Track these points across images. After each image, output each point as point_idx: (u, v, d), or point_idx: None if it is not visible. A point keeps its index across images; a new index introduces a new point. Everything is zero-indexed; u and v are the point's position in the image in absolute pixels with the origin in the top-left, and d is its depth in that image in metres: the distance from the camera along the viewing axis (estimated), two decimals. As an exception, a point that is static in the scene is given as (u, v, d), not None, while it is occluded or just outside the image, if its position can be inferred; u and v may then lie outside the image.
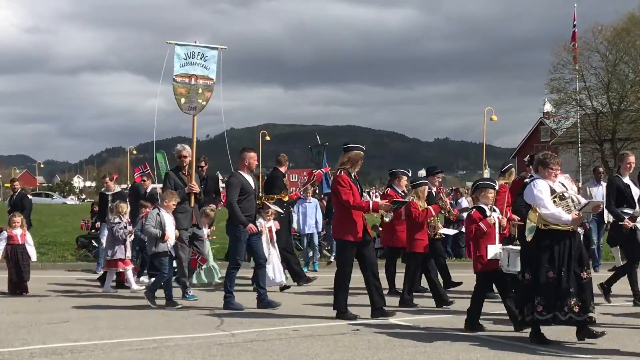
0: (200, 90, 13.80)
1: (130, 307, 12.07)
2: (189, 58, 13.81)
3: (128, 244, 14.74)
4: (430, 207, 12.59)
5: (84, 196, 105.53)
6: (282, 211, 14.60)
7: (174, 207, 12.54)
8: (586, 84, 57.42)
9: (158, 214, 12.34)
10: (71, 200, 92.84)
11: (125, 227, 14.65)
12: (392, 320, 10.73)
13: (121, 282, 14.79)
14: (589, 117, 58.22)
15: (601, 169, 19.32)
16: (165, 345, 8.77)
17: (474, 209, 10.23)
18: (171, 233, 12.34)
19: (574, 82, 57.43)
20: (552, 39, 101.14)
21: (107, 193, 17.94)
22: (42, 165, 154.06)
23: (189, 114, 13.92)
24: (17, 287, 13.76)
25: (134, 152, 77.77)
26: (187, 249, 13.10)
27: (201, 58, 13.86)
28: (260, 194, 14.14)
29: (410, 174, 14.51)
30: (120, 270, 14.57)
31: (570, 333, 9.18)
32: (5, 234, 14.04)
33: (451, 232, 15.84)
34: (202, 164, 15.45)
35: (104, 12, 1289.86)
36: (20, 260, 13.84)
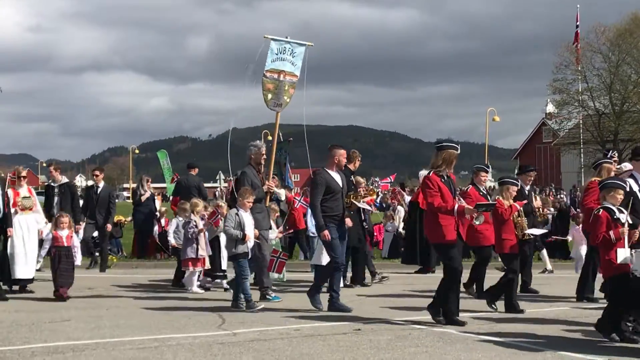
0: (286, 87, 13.81)
1: (132, 306, 12.07)
2: (280, 53, 13.82)
3: (202, 242, 14.17)
4: (515, 203, 12.03)
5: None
6: (371, 209, 14.39)
7: (251, 205, 12.08)
8: (589, 85, 57.50)
9: (237, 213, 11.80)
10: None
11: (196, 226, 14.23)
12: (394, 319, 10.72)
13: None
14: (592, 118, 58.31)
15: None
16: (167, 344, 8.76)
17: (602, 209, 9.41)
18: (251, 233, 11.89)
19: (577, 83, 57.54)
20: (554, 40, 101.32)
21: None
22: (44, 164, 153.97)
23: (274, 111, 13.89)
24: (63, 289, 12.89)
25: (137, 151, 77.84)
26: (269, 249, 12.87)
27: (290, 54, 13.88)
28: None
29: (490, 169, 14.15)
30: (190, 269, 14.16)
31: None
32: (50, 234, 13.31)
33: (539, 231, 14.61)
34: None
35: (107, 11, 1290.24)
36: (63, 264, 12.98)
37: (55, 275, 12.93)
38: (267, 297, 12.53)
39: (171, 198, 21.68)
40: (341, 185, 11.80)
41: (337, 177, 11.84)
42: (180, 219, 15.12)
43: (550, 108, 68.12)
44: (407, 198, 18.91)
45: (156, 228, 21.28)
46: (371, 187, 14.70)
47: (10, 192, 13.88)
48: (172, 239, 15.33)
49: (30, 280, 13.85)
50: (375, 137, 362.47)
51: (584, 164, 55.25)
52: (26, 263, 13.66)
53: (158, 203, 23.07)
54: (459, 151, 10.71)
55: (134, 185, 34.70)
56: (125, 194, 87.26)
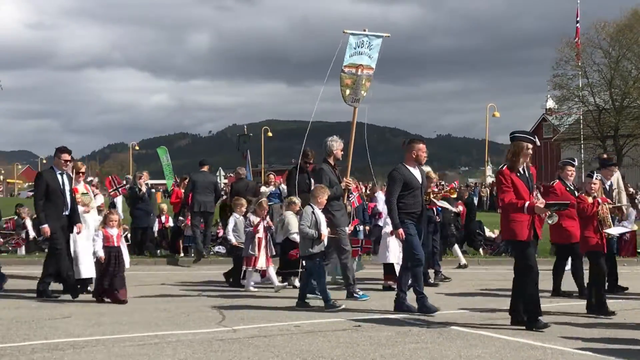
0: (363, 81, 13.70)
1: (132, 302, 12.05)
2: (359, 47, 13.69)
3: (263, 241, 13.77)
4: (598, 198, 11.55)
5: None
6: (453, 208, 14.05)
7: (325, 203, 11.79)
8: (589, 81, 57.44)
9: (313, 212, 11.51)
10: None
11: (251, 224, 13.83)
12: (394, 316, 10.72)
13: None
14: (592, 113, 58.25)
15: (604, 155, 18.46)
16: (167, 340, 8.76)
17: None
18: (325, 232, 11.61)
19: (577, 79, 57.48)
20: (555, 36, 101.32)
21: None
22: (44, 161, 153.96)
23: (352, 106, 13.76)
24: (109, 294, 12.09)
25: (137, 147, 77.79)
26: (349, 249, 12.61)
27: (368, 47, 13.74)
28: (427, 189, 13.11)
29: (576, 163, 13.77)
30: (250, 268, 13.72)
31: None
32: (100, 233, 12.36)
33: (619, 230, 13.68)
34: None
35: (108, 8, 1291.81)
36: (113, 265, 12.16)
37: (101, 278, 12.16)
38: (355, 294, 12.30)
39: (174, 194, 21.69)
40: (420, 182, 11.28)
41: (416, 172, 11.31)
42: (238, 216, 14.96)
43: (551, 104, 68.04)
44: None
45: (156, 225, 21.28)
46: (442, 184, 14.33)
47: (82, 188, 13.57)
48: (231, 237, 14.94)
49: (91, 280, 13.17)
50: (376, 133, 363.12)
51: (584, 159, 55.18)
52: (90, 262, 12.87)
53: (157, 200, 23.08)
54: (536, 143, 10.20)
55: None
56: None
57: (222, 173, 56.69)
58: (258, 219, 13.87)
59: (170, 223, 21.72)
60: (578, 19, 56.64)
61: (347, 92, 13.63)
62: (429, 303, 10.93)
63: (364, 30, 13.84)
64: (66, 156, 12.85)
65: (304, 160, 14.11)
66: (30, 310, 11.25)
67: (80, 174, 13.85)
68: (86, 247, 12.88)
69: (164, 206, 22.82)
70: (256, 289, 13.71)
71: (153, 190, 24.10)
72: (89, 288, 12.98)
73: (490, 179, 54.06)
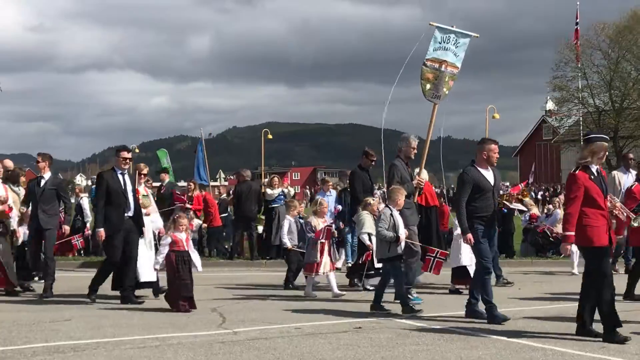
0: (446, 78, 13.39)
1: (133, 305, 12.04)
2: (444, 42, 13.37)
3: (326, 245, 13.36)
4: None
5: (86, 194, 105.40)
6: (529, 210, 13.31)
7: (403, 204, 11.49)
8: (588, 82, 57.52)
9: (392, 214, 11.19)
10: (72, 198, 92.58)
11: (313, 230, 13.48)
12: (394, 318, 10.72)
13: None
14: (592, 115, 58.30)
15: (631, 155, 18.31)
16: (168, 343, 8.77)
17: None
18: (403, 234, 11.29)
19: (577, 80, 57.52)
20: (554, 37, 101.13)
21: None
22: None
23: (431, 102, 13.51)
24: (184, 300, 11.38)
25: (137, 150, 77.67)
26: (417, 250, 12.45)
27: (454, 44, 13.41)
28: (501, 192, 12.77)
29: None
30: (313, 275, 13.32)
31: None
32: (169, 238, 11.71)
33: None
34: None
35: (108, 11, 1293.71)
36: (181, 271, 11.47)
37: (173, 285, 11.49)
38: (409, 296, 11.96)
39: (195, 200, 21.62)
40: (493, 183, 10.70)
41: (488, 174, 10.75)
42: (291, 218, 14.68)
43: (550, 105, 68.05)
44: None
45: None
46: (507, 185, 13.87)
47: (141, 189, 13.26)
48: (286, 241, 14.47)
49: (155, 284, 12.91)
50: (376, 135, 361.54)
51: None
52: (150, 266, 12.52)
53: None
54: (607, 143, 9.80)
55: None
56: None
57: (223, 175, 56.73)
58: (320, 223, 13.57)
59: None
60: (577, 20, 56.69)
61: (428, 86, 13.33)
62: (498, 312, 10.39)
63: (452, 26, 13.57)
64: (125, 154, 12.58)
65: (369, 159, 14.23)
66: (31, 313, 11.25)
67: (142, 176, 13.60)
68: (144, 251, 12.73)
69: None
70: (315, 294, 13.23)
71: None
72: (159, 289, 12.74)
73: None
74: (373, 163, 14.56)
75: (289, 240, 14.45)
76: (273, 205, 19.88)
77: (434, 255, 12.78)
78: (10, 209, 13.35)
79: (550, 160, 76.49)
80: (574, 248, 10.68)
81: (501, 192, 13.62)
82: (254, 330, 9.70)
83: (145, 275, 12.70)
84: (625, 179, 16.24)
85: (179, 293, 11.35)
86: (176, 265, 11.44)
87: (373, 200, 13.63)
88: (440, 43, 13.35)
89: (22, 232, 13.98)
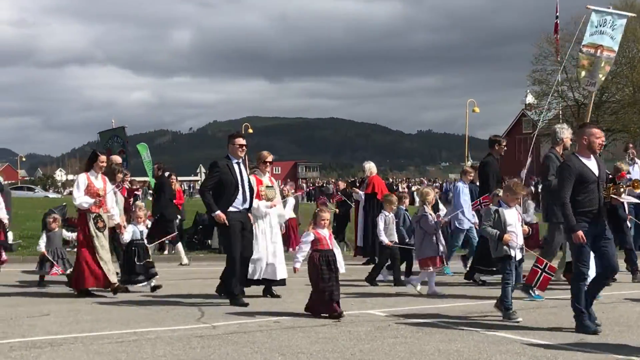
0: (602, 64, 12.86)
1: (111, 299, 11.99)
2: (600, 26, 12.82)
3: (441, 237, 13.09)
4: None
5: (66, 190, 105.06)
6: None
7: (518, 200, 10.56)
8: (568, 76, 57.70)
9: (496, 210, 10.28)
10: (53, 193, 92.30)
11: (432, 220, 12.97)
12: (373, 311, 10.73)
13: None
14: (571, 108, 58.62)
15: (631, 145, 18.07)
16: (146, 337, 8.74)
17: None
18: (519, 231, 10.33)
19: (556, 74, 57.73)
20: (534, 31, 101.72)
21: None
22: (23, 159, 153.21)
23: (586, 90, 13.02)
24: (328, 305, 10.18)
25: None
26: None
27: (611, 26, 12.83)
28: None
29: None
30: (430, 269, 12.84)
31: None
32: (311, 235, 10.49)
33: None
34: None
35: (89, 5, 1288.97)
36: (328, 272, 10.25)
37: (317, 288, 10.27)
38: (531, 293, 11.65)
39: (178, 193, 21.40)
40: (597, 174, 9.50)
41: (591, 163, 9.57)
42: (387, 214, 14.07)
43: (530, 99, 68.42)
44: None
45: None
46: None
47: (252, 179, 12.13)
48: (384, 238, 13.82)
49: (282, 282, 12.20)
50: (356, 129, 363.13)
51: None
52: (275, 263, 11.94)
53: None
54: None
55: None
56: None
57: (203, 170, 56.58)
58: (436, 214, 13.11)
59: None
60: (557, 14, 56.91)
61: (583, 74, 12.87)
62: (588, 322, 9.29)
63: (609, 8, 13.07)
64: (240, 140, 11.76)
65: (501, 148, 13.93)
66: (8, 307, 11.17)
67: (267, 164, 12.56)
68: (266, 247, 12.00)
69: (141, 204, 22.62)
70: (446, 294, 12.71)
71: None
72: (274, 292, 12.16)
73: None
74: (503, 152, 13.95)
75: (385, 237, 13.90)
76: None
77: (542, 267, 11.16)
78: (102, 203, 12.44)
79: (530, 153, 76.81)
80: None
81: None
82: (232, 324, 9.68)
83: (282, 273, 12.07)
84: (632, 170, 16.16)
85: (324, 297, 10.15)
86: (319, 265, 10.26)
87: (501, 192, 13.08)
88: (596, 27, 12.86)
89: (131, 230, 13.08)
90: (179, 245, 18.41)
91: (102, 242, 12.36)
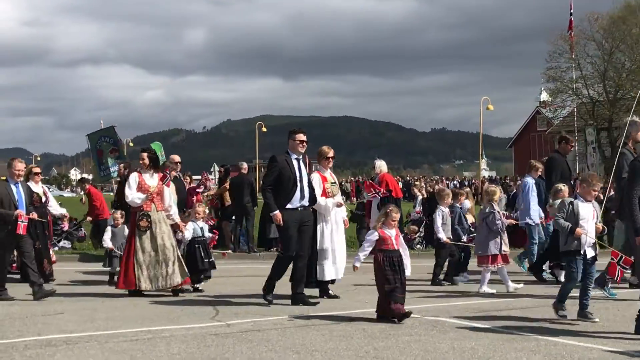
0: None
1: (126, 297, 12.01)
2: None
3: (505, 237, 12.82)
4: None
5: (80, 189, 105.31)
6: None
7: (596, 193, 10.05)
8: (582, 73, 57.54)
9: (571, 202, 9.80)
10: (68, 192, 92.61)
11: (500, 218, 12.71)
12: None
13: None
14: (586, 105, 58.39)
15: None
16: (161, 335, 8.75)
17: None
18: (590, 227, 9.77)
19: (571, 71, 57.53)
20: (549, 28, 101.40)
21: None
22: (38, 158, 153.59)
23: None
24: (390, 309, 9.74)
25: (131, 144, 77.52)
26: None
27: None
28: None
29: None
30: (491, 268, 12.65)
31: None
32: (375, 234, 10.03)
33: None
34: None
35: (103, 4, 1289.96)
36: (393, 273, 9.79)
37: (382, 290, 9.84)
38: (605, 289, 11.45)
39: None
40: None
41: None
42: (444, 209, 13.90)
43: (545, 96, 68.12)
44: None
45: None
46: None
47: (317, 176, 11.93)
48: (442, 235, 13.64)
49: (332, 281, 11.91)
50: (370, 127, 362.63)
51: (578, 152, 55.26)
52: (334, 262, 11.67)
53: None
54: None
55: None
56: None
57: (217, 168, 56.64)
58: (498, 210, 12.84)
59: None
60: (571, 11, 56.68)
61: None
62: None
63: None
64: (302, 136, 11.37)
65: (568, 145, 13.86)
66: (23, 306, 11.22)
67: (329, 160, 12.12)
68: (330, 245, 11.72)
69: None
70: (493, 290, 12.61)
71: None
72: (330, 291, 11.86)
73: (485, 172, 54.18)
74: (572, 149, 13.73)
75: (444, 233, 13.71)
76: None
77: (617, 260, 10.16)
78: (153, 200, 12.26)
79: (544, 152, 76.54)
80: None
81: None
82: (246, 322, 9.69)
83: (328, 272, 11.74)
84: None
85: (389, 299, 9.74)
86: (384, 266, 9.85)
87: (564, 186, 12.58)
88: None
89: (192, 228, 13.03)
90: None
91: (143, 245, 12.10)
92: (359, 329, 9.14)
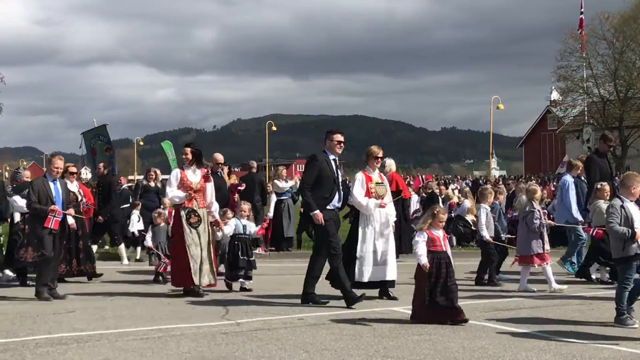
0: None
1: (136, 296, 12.05)
2: None
3: (546, 236, 12.72)
4: None
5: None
6: None
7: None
8: (593, 72, 57.39)
9: (622, 205, 9.35)
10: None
11: (540, 217, 12.58)
12: (397, 308, 10.71)
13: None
14: (596, 104, 58.26)
15: None
16: (171, 334, 8.77)
17: None
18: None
19: (581, 70, 57.41)
20: (559, 27, 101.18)
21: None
22: (49, 157, 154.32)
23: None
24: (444, 312, 9.52)
25: (142, 143, 77.63)
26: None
27: None
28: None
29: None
30: (536, 266, 12.59)
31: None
32: (424, 235, 9.76)
33: None
34: None
35: (114, 3, 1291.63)
36: (439, 276, 9.57)
37: (432, 292, 9.54)
38: None
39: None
40: None
41: None
42: (487, 207, 13.64)
43: (555, 95, 68.03)
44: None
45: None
46: None
47: (361, 175, 11.72)
48: (485, 234, 13.35)
49: (392, 284, 11.66)
50: (380, 126, 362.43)
51: (588, 151, 55.14)
52: (376, 263, 11.41)
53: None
54: None
55: (139, 177, 34.74)
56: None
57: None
58: (539, 209, 12.67)
59: None
60: (582, 10, 56.56)
61: None
62: None
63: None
64: (339, 137, 11.39)
65: (608, 145, 13.58)
66: (34, 305, 11.26)
67: (378, 159, 11.89)
68: (372, 246, 11.44)
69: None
70: (534, 289, 12.52)
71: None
72: (390, 293, 11.68)
73: (495, 172, 54.09)
74: (612, 149, 13.57)
75: (487, 232, 13.42)
76: (282, 198, 19.58)
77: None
78: (194, 196, 12.14)
79: (555, 151, 76.41)
80: None
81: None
82: (256, 321, 9.70)
83: (369, 274, 11.46)
84: None
85: (447, 301, 9.57)
86: (431, 267, 9.57)
87: (604, 184, 12.53)
88: None
89: (233, 224, 12.94)
90: (122, 245, 17.60)
91: (195, 239, 12.02)
92: (368, 328, 9.14)
